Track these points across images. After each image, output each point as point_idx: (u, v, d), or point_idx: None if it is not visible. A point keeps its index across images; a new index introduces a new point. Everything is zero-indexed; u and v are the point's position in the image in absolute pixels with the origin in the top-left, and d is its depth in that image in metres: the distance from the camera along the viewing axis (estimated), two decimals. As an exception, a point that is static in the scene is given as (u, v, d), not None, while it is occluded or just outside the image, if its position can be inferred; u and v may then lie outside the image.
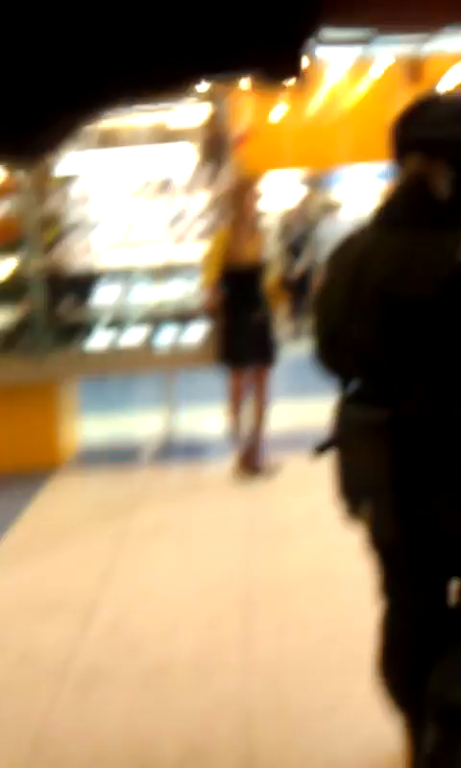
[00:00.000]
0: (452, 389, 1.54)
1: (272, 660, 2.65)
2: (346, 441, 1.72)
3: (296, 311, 8.27)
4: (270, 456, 4.57)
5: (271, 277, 4.51)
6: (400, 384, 1.58)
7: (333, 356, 1.71)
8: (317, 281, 1.79)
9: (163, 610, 3.05)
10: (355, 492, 1.72)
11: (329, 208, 11.18)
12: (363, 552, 1.88)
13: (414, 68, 10.39)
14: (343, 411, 1.72)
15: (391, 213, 1.61)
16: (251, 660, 2.67)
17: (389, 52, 8.77)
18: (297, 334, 8.20)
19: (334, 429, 1.75)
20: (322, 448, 1.78)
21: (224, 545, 3.60)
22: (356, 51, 8.16)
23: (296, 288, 8.33)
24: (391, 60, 9.46)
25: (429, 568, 1.78)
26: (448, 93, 1.63)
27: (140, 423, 5.72)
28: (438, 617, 1.81)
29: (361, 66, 10.16)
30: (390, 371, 1.59)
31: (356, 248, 1.64)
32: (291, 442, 4.62)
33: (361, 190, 11.04)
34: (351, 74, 10.62)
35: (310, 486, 3.44)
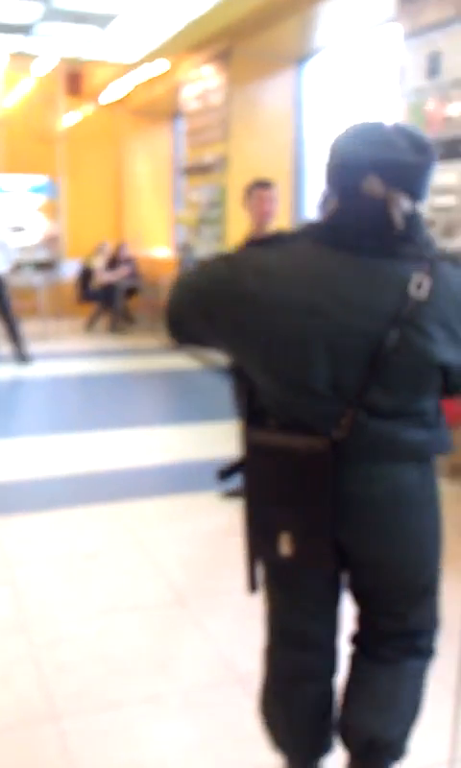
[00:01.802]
0: (385, 415, 1.54)
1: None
2: (265, 469, 1.63)
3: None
4: None
5: None
6: (336, 410, 1.53)
7: (267, 379, 1.59)
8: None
9: None
10: (274, 520, 1.64)
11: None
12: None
13: (73, 78, 10.90)
14: (260, 438, 1.62)
15: (345, 236, 1.50)
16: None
17: (49, 56, 9.87)
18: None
19: (249, 457, 1.65)
20: (227, 473, 1.74)
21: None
22: (11, 47, 9.04)
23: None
24: (50, 68, 9.93)
25: (336, 596, 1.78)
26: (392, 121, 1.54)
27: None
28: (335, 647, 1.83)
29: (16, 72, 10.33)
30: (331, 398, 1.53)
31: (301, 265, 1.53)
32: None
33: (12, 203, 10.82)
34: (6, 78, 10.60)
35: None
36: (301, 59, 7.64)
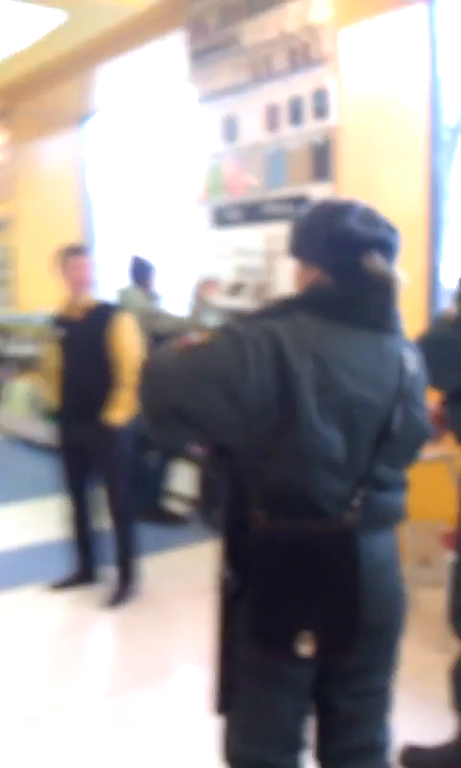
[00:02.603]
0: (386, 488, 1.56)
1: None
2: (278, 564, 1.50)
3: None
4: None
5: None
6: (347, 489, 1.51)
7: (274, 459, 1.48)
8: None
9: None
10: (291, 620, 1.52)
11: None
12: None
13: None
14: (271, 529, 1.50)
15: (350, 312, 1.51)
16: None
17: None
18: None
19: (256, 553, 1.51)
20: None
21: None
22: None
23: None
24: None
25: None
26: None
27: None
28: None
29: None
30: (346, 476, 1.50)
31: (315, 341, 1.47)
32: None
33: None
34: None
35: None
36: (82, 117, 7.53)
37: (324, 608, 1.52)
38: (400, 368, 1.56)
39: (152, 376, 1.51)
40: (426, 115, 3.64)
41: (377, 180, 3.91)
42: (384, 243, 1.53)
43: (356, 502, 1.53)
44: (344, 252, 1.52)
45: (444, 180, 3.70)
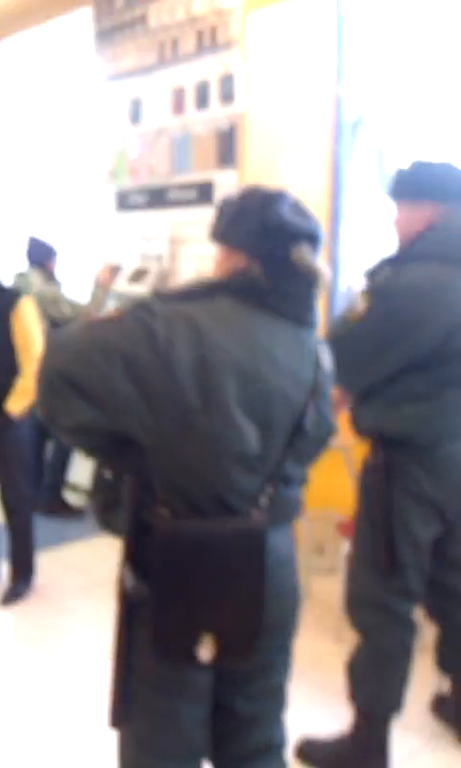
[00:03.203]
0: (290, 484, 1.54)
1: None
2: (185, 564, 1.41)
3: None
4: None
5: None
6: (256, 485, 1.47)
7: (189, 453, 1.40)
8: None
9: None
10: (193, 623, 1.45)
11: None
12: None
13: None
14: (180, 528, 1.42)
15: (273, 301, 1.46)
16: None
17: None
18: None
19: (160, 553, 1.42)
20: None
21: None
22: None
23: None
24: None
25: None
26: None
27: None
28: None
29: None
30: (257, 471, 1.46)
31: (234, 326, 1.41)
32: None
33: None
34: None
35: None
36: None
37: (226, 609, 1.46)
38: (316, 363, 1.53)
39: (49, 347, 1.43)
40: (332, 105, 3.63)
41: (280, 169, 3.87)
42: (313, 236, 1.49)
43: (264, 499, 1.48)
44: (274, 242, 1.47)
45: (343, 173, 3.70)
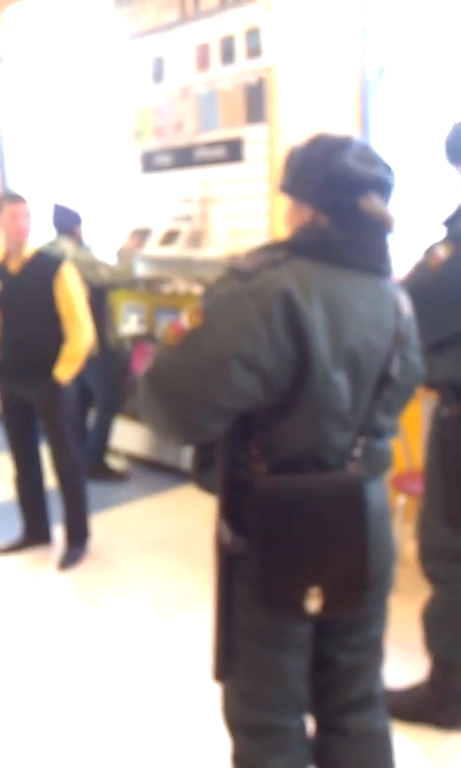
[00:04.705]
0: (381, 435, 1.55)
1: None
2: (287, 519, 1.44)
3: None
4: None
5: None
6: (350, 439, 1.48)
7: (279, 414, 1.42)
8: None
9: None
10: (300, 576, 1.47)
11: None
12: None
13: None
14: (280, 484, 1.44)
15: (348, 254, 1.44)
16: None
17: None
18: None
19: (261, 509, 1.44)
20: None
21: None
22: None
23: None
24: None
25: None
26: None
27: None
28: None
29: None
30: (350, 424, 1.47)
31: (318, 286, 1.40)
32: None
33: None
34: None
35: None
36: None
37: (332, 561, 1.48)
38: (397, 311, 1.52)
39: (170, 393, 1.40)
40: (358, 55, 3.56)
41: (311, 122, 3.81)
42: (382, 183, 1.45)
43: (357, 452, 1.49)
44: (341, 193, 1.43)
45: (370, 124, 3.64)
